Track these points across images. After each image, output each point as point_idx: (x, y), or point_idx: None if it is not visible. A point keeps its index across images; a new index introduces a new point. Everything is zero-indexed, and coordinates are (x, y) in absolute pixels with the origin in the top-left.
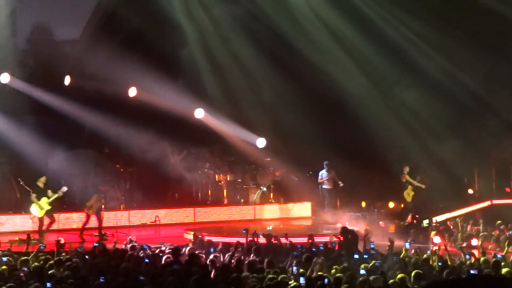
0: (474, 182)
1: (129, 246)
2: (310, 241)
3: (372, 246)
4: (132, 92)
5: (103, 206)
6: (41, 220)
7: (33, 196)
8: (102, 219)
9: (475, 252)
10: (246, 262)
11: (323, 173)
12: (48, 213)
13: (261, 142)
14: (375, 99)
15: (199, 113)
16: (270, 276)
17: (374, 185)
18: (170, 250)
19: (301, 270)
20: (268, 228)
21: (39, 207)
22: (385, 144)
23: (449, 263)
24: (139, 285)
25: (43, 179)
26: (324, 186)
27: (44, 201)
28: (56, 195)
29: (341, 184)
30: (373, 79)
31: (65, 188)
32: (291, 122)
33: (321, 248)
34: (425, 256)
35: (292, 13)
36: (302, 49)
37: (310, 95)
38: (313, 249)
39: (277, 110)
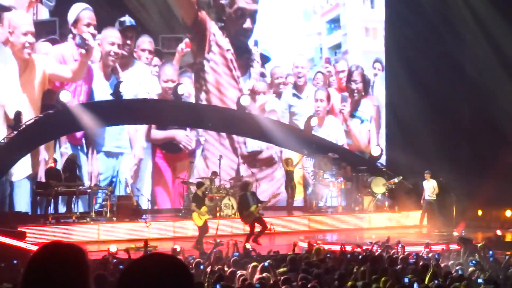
0: None
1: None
2: (426, 249)
3: (490, 254)
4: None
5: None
6: (201, 229)
7: (193, 205)
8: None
9: None
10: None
11: (424, 183)
12: (205, 223)
13: (376, 150)
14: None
15: (314, 121)
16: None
17: (491, 192)
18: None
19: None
20: (383, 237)
21: (198, 216)
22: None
23: None
24: None
25: (203, 188)
26: (426, 197)
27: (203, 210)
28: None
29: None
30: None
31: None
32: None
33: (436, 256)
34: None
35: None
36: None
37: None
38: (425, 257)
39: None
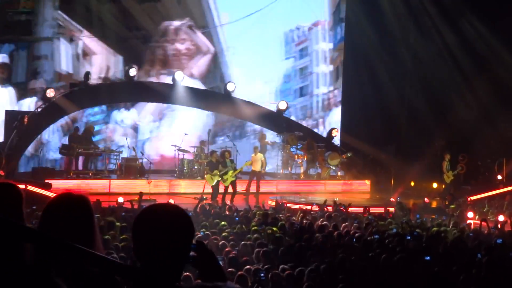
0: (503, 170)
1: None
2: (366, 210)
3: (418, 217)
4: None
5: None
6: (213, 188)
7: (206, 168)
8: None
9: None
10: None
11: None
12: (217, 183)
13: (282, 105)
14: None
15: (283, 105)
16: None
17: (422, 168)
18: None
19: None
20: (335, 199)
21: (211, 178)
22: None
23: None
24: None
25: (215, 154)
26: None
27: (215, 173)
28: (225, 170)
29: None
30: None
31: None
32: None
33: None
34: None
35: None
36: None
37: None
38: (369, 217)
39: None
